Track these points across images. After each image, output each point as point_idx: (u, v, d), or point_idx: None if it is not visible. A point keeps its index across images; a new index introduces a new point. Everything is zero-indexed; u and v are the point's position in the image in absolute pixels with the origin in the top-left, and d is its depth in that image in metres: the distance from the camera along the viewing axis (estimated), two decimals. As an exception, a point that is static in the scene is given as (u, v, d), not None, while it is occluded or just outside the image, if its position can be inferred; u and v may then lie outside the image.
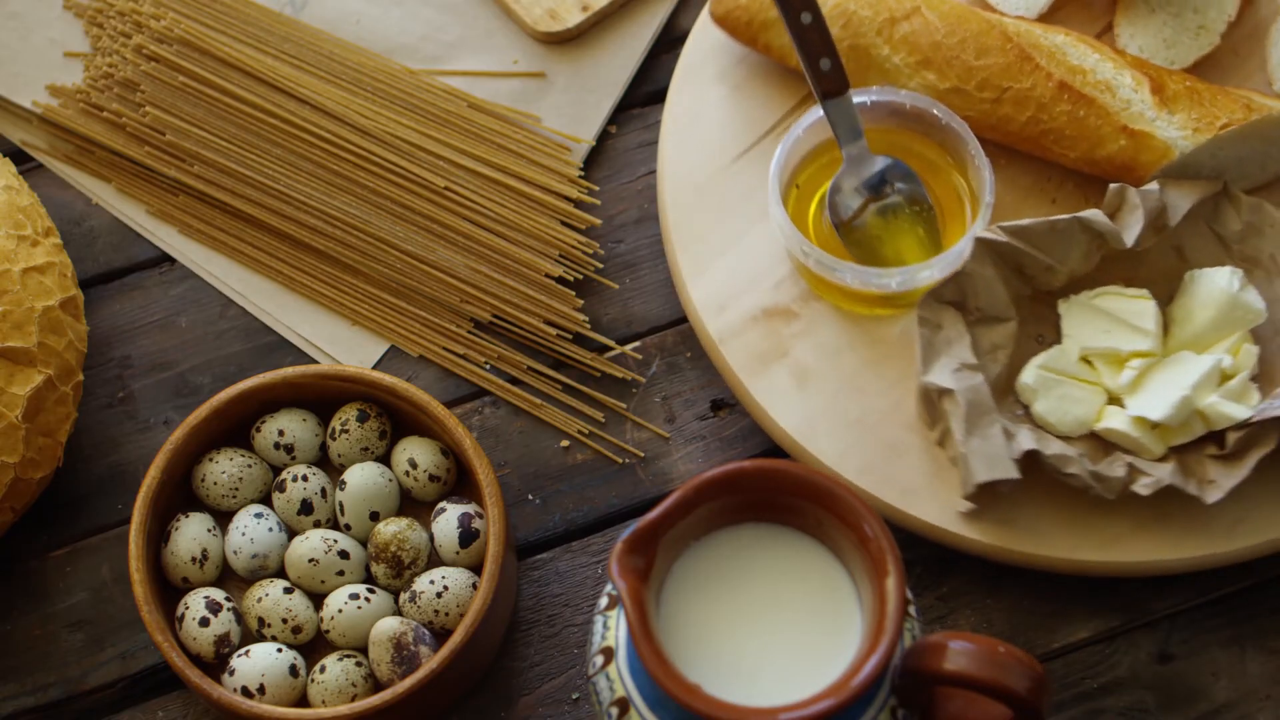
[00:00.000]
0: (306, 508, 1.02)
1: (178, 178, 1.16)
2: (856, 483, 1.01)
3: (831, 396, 1.04)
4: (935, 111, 1.06)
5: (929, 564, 1.03)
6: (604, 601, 0.90)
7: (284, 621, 0.98)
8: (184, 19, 1.19)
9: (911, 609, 0.88)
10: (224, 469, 1.02)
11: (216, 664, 0.99)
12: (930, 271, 1.03)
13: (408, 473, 1.02)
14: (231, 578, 1.02)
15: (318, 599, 1.00)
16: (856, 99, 1.06)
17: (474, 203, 1.14)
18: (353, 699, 0.97)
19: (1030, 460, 0.99)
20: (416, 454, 1.02)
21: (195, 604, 0.99)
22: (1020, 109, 1.06)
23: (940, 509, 1.00)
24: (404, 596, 0.99)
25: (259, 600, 0.99)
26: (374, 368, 1.11)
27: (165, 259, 1.15)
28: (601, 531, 1.06)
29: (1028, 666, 0.82)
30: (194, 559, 1.00)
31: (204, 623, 0.98)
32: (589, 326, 1.11)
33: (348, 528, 1.01)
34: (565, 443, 1.08)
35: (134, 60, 1.19)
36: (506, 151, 1.16)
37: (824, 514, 0.85)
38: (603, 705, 0.88)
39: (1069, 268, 1.03)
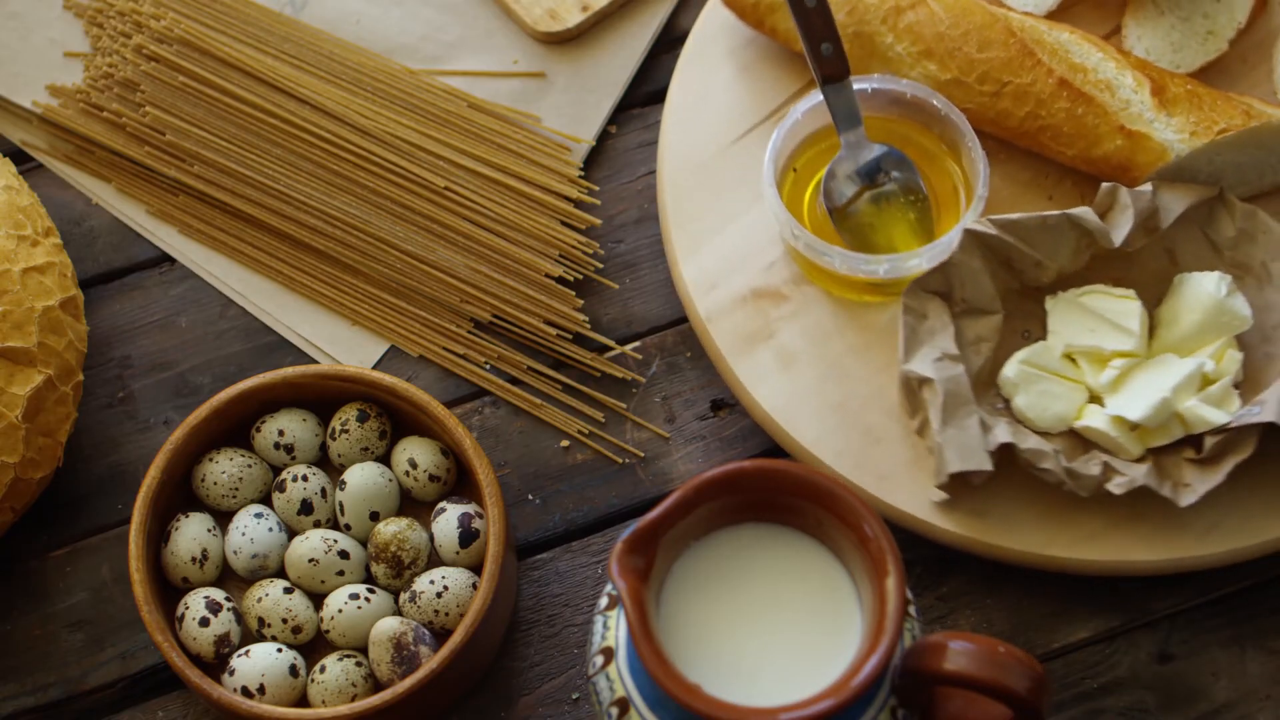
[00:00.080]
0: (306, 508, 1.02)
1: (178, 178, 1.16)
2: (833, 466, 1.02)
3: (815, 380, 1.04)
4: (935, 102, 1.06)
5: (929, 564, 1.03)
6: (604, 601, 0.90)
7: (284, 621, 0.98)
8: (184, 19, 1.19)
9: (911, 609, 0.88)
10: (224, 469, 1.02)
11: (216, 664, 0.99)
12: (919, 260, 1.03)
13: (408, 473, 1.02)
14: (231, 578, 1.02)
15: (318, 599, 1.00)
16: (857, 86, 1.07)
17: (474, 203, 1.14)
18: (353, 699, 0.97)
19: (1006, 454, 0.99)
20: (416, 454, 1.02)
21: (195, 604, 0.99)
22: (1019, 104, 1.06)
23: (913, 497, 1.01)
24: (404, 596, 0.99)
25: (259, 600, 0.99)
26: (374, 368, 1.11)
27: (165, 259, 1.15)
28: (601, 531, 1.06)
29: (1028, 666, 0.82)
30: (194, 559, 1.00)
31: (204, 623, 0.98)
32: (589, 326, 1.11)
33: (348, 528, 1.01)
34: (565, 443, 1.08)
35: (134, 60, 1.19)
36: (506, 151, 1.16)
37: (824, 514, 0.85)
38: (603, 705, 0.88)
39: (1058, 264, 1.04)
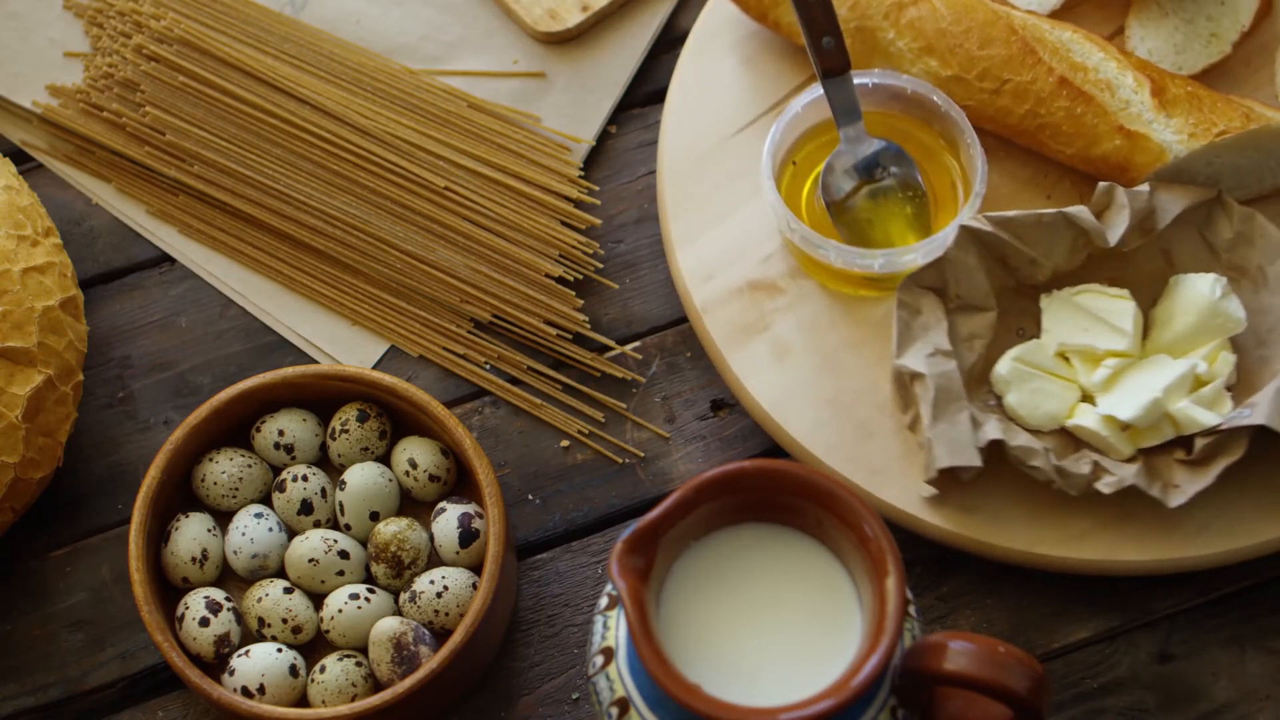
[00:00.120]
0: (306, 508, 1.02)
1: (178, 178, 1.16)
2: (824, 460, 1.02)
3: (808, 373, 1.05)
4: (935, 98, 1.06)
5: (929, 564, 1.03)
6: (604, 601, 0.90)
7: (284, 621, 0.98)
8: (184, 19, 1.19)
9: (911, 609, 0.88)
10: (224, 469, 1.02)
11: (216, 664, 0.99)
12: (914, 255, 1.03)
13: (408, 473, 1.02)
14: (231, 578, 1.02)
15: (318, 599, 1.00)
16: (858, 80, 1.07)
17: (474, 203, 1.14)
18: (353, 699, 0.97)
19: (996, 451, 0.99)
20: (416, 454, 1.02)
21: (195, 604, 0.99)
22: (1019, 101, 1.06)
23: (903, 492, 1.01)
24: (404, 596, 0.99)
25: (259, 600, 0.99)
26: (374, 368, 1.11)
27: (165, 259, 1.15)
28: (601, 531, 1.06)
29: (1028, 666, 0.82)
30: (194, 559, 1.00)
31: (204, 623, 0.98)
32: (589, 326, 1.11)
33: (348, 528, 1.01)
34: (565, 443, 1.08)
35: (134, 60, 1.19)
36: (506, 151, 1.16)
37: (824, 514, 0.85)
38: (603, 705, 0.87)
39: (1054, 262, 1.04)
